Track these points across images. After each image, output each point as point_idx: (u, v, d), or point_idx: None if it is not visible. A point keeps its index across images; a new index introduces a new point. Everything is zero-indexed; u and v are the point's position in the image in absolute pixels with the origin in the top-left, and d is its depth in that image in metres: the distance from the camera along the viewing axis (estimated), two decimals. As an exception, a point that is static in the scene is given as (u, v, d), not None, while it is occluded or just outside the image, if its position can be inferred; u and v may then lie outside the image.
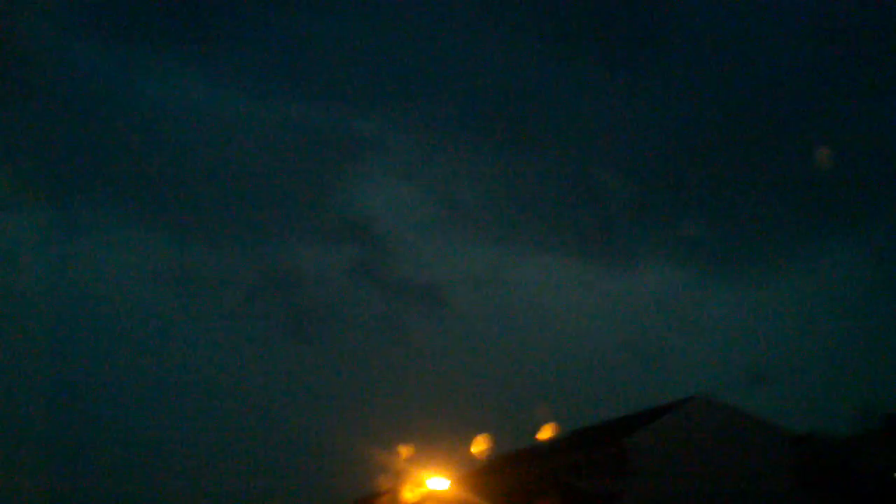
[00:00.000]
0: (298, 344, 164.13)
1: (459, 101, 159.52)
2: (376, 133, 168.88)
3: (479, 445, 47.59)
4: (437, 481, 42.28)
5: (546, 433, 49.49)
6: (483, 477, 63.13)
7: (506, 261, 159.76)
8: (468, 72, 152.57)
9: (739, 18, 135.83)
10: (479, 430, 51.52)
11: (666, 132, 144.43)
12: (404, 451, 50.35)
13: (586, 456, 54.96)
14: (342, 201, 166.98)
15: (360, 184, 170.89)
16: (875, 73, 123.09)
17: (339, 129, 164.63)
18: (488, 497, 55.52)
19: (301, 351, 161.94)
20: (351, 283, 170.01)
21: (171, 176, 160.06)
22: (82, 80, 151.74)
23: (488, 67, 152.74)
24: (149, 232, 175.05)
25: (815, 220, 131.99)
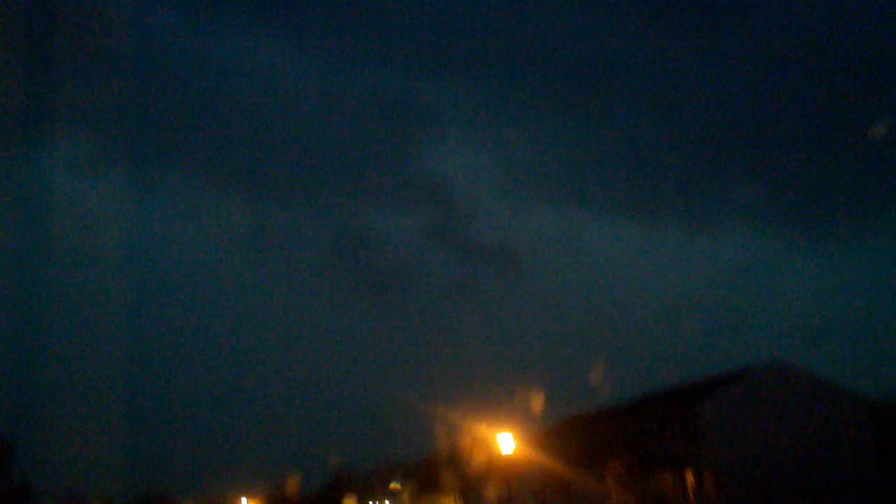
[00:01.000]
0: (372, 305, 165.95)
1: (530, 67, 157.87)
2: (449, 99, 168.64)
3: (547, 404, 47.76)
4: (505, 440, 42.51)
5: (615, 396, 49.39)
6: (552, 438, 63.43)
7: (579, 225, 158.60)
8: (538, 39, 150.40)
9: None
10: (549, 392, 51.70)
11: (743, 94, 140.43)
12: (475, 410, 50.80)
13: (657, 420, 54.75)
14: (416, 165, 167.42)
15: (434, 149, 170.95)
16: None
17: (412, 95, 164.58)
18: (557, 457, 55.82)
19: (375, 312, 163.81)
20: (425, 245, 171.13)
21: (246, 140, 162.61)
22: (159, 46, 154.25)
23: (557, 35, 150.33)
24: (225, 195, 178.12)
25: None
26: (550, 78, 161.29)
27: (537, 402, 47.79)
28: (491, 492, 59.91)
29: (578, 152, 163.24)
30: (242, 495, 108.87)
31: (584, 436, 62.18)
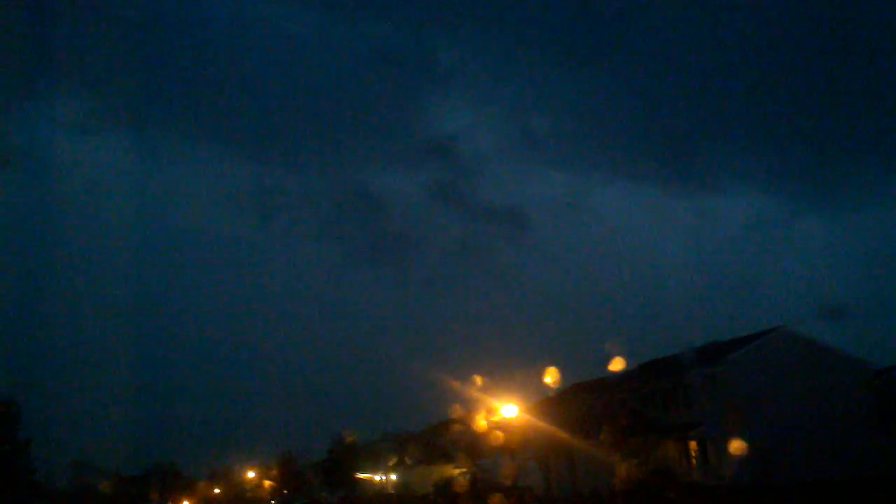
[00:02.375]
0: (377, 268, 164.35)
1: (538, 26, 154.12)
2: (456, 56, 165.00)
3: (553, 374, 47.72)
4: (509, 408, 42.70)
5: (621, 363, 49.28)
6: (557, 405, 63.47)
7: (587, 186, 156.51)
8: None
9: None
10: (556, 358, 51.68)
11: (753, 52, 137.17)
12: (479, 378, 50.81)
13: (662, 386, 54.70)
14: (422, 124, 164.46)
15: (441, 107, 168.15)
16: None
17: (418, 52, 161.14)
18: (562, 425, 55.83)
19: (380, 275, 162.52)
20: (431, 207, 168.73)
21: (250, 100, 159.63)
22: (160, 3, 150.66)
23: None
24: (228, 156, 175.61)
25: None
26: (560, 35, 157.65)
27: (543, 369, 47.79)
28: (497, 460, 60.08)
29: (588, 114, 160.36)
30: (249, 467, 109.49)
31: (587, 403, 62.18)
